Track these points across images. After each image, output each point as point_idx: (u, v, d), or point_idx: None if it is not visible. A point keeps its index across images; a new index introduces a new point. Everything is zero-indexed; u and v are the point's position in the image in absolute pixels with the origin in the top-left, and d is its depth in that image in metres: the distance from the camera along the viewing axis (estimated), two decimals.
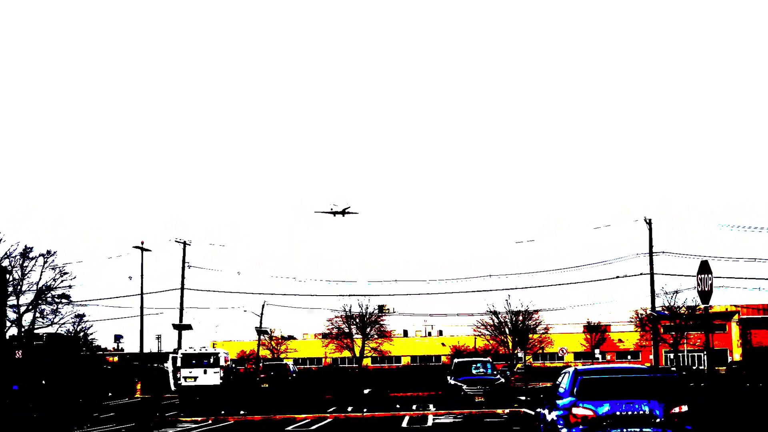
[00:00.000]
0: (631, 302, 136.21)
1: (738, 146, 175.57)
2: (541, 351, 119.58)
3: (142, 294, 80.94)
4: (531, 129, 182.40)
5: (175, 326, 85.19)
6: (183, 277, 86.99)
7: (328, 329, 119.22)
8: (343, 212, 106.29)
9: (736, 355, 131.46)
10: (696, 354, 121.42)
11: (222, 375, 60.76)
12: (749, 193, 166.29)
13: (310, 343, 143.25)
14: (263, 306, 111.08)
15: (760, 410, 34.52)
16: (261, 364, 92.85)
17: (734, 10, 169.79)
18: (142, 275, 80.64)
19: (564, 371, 23.66)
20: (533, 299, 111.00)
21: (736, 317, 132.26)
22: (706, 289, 31.85)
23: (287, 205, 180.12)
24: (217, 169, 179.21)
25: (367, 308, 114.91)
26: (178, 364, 60.96)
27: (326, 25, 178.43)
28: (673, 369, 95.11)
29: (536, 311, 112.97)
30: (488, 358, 58.99)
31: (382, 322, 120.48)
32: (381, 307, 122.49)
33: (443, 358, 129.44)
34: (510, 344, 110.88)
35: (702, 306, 33.96)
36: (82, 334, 76.24)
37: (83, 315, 76.07)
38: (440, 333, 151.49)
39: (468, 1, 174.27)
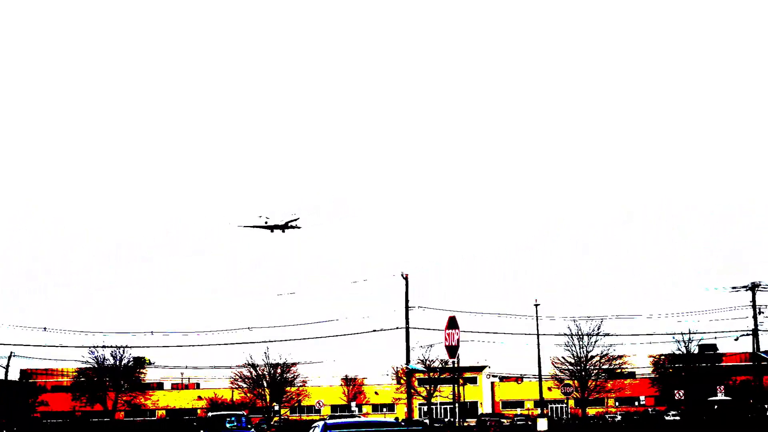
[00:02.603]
0: (388, 356, 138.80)
1: (492, 205, 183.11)
2: (298, 404, 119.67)
3: None
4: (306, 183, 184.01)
5: None
6: None
7: (80, 381, 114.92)
8: (285, 227, 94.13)
9: (487, 407, 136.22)
10: (449, 406, 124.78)
11: None
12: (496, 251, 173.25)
13: (61, 396, 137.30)
14: (10, 357, 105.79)
15: None
16: (4, 419, 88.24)
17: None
18: None
19: (314, 425, 23.85)
20: (292, 352, 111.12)
21: (486, 371, 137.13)
22: (454, 343, 32.94)
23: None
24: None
25: (121, 360, 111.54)
26: None
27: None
28: (425, 421, 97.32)
29: (294, 364, 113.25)
30: (243, 412, 58.55)
31: (138, 375, 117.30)
32: (138, 359, 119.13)
33: (199, 411, 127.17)
34: (267, 397, 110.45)
35: (450, 360, 35.05)
36: None
37: None
38: (197, 386, 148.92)
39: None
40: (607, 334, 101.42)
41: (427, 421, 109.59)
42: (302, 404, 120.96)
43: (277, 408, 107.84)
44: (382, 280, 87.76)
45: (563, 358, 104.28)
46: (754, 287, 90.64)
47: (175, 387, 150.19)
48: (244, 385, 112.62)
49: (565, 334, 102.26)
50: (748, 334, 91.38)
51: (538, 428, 75.37)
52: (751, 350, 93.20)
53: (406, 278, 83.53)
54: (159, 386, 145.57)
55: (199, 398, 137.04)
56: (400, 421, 29.75)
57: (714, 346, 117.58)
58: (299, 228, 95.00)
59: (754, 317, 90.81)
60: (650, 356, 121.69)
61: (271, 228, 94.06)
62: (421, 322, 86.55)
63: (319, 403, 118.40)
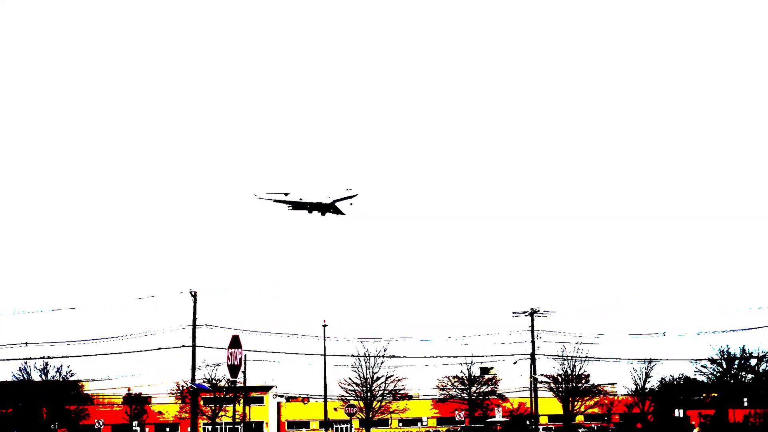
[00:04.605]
0: (174, 374, 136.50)
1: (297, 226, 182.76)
2: (78, 423, 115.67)
3: None
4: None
5: None
6: None
7: None
8: (329, 207, 73.31)
9: (273, 427, 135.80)
10: (235, 426, 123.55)
11: None
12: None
13: None
14: None
15: None
16: None
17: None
18: None
19: None
20: (74, 369, 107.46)
21: (273, 390, 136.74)
22: (236, 363, 32.71)
23: None
24: None
25: None
26: None
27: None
28: None
29: (78, 382, 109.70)
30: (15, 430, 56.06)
31: None
32: None
33: None
34: (45, 416, 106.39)
35: (232, 379, 34.77)
36: None
37: None
38: None
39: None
40: (393, 356, 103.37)
41: None
42: (82, 424, 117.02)
43: (53, 428, 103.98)
44: (169, 297, 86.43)
45: (350, 379, 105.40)
46: (533, 313, 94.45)
47: None
48: (19, 404, 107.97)
49: (352, 355, 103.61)
50: (526, 358, 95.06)
51: None
52: (528, 373, 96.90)
53: (194, 296, 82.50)
54: None
55: None
56: None
57: (491, 369, 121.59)
58: (343, 214, 75.00)
59: (532, 342, 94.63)
60: (438, 378, 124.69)
61: (310, 207, 74.47)
62: (208, 341, 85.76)
63: (98, 423, 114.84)
